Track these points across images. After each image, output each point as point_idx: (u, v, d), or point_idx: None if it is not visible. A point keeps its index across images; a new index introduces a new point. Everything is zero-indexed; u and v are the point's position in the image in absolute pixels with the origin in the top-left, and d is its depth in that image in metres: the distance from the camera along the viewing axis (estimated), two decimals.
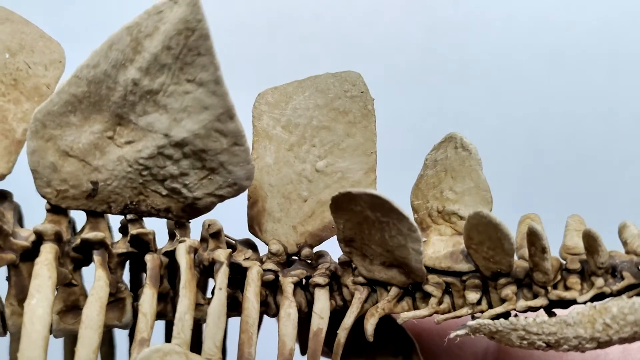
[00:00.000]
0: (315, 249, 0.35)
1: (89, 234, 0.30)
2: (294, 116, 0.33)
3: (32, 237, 0.30)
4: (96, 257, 0.30)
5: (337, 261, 0.34)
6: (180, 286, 0.30)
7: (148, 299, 0.30)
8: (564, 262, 0.31)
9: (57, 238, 0.30)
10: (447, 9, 0.62)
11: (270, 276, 0.33)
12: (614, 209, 0.60)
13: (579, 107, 0.62)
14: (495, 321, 0.30)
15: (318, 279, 0.33)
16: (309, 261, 0.34)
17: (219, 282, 0.31)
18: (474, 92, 0.59)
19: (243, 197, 0.35)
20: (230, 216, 0.35)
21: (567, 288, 0.30)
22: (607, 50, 0.63)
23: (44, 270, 0.29)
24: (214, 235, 0.33)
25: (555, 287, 0.30)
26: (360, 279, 0.33)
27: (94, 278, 0.30)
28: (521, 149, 0.60)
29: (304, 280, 0.34)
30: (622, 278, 0.29)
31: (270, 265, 0.33)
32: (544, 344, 0.30)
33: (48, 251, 0.29)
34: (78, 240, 0.30)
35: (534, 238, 0.29)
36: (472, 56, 0.61)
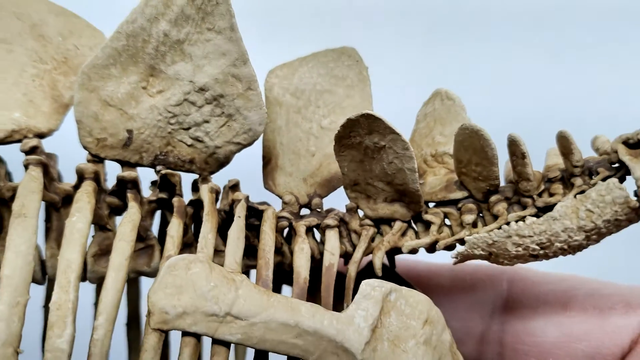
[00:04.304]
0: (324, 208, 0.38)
1: (124, 173, 0.34)
2: (300, 84, 0.39)
3: (74, 183, 0.34)
4: (129, 193, 0.34)
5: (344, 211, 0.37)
6: (203, 214, 0.33)
7: (175, 226, 0.33)
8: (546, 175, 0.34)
9: (96, 178, 0.34)
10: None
11: (285, 222, 0.36)
12: None
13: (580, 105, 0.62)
14: (490, 232, 0.33)
15: (328, 220, 0.36)
16: (319, 210, 0.38)
17: (238, 212, 0.34)
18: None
19: (258, 170, 0.39)
20: (247, 189, 0.39)
21: (551, 195, 0.33)
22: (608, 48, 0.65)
23: (84, 196, 0.33)
24: (232, 187, 0.37)
25: (540, 196, 0.33)
26: (367, 221, 0.36)
27: (127, 209, 0.33)
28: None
29: (316, 232, 0.37)
30: (598, 174, 0.32)
31: (284, 213, 0.37)
32: (537, 247, 0.32)
33: (88, 185, 0.33)
34: (114, 183, 0.35)
35: (514, 147, 0.33)
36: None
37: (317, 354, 0.31)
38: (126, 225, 0.32)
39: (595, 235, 0.32)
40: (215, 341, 0.31)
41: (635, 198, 0.31)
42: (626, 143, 0.31)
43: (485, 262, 0.40)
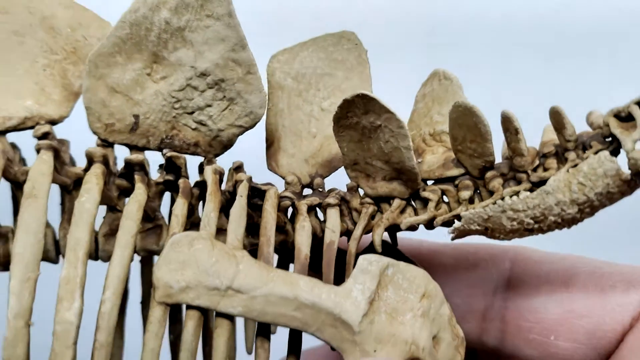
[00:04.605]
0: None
1: (131, 156, 0.36)
2: (301, 68, 0.40)
3: (84, 166, 0.36)
4: (137, 175, 0.36)
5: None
6: (207, 194, 0.35)
7: (180, 205, 0.35)
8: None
9: (105, 161, 0.35)
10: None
11: (287, 202, 0.37)
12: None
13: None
14: (485, 207, 0.34)
15: (330, 199, 0.37)
16: (321, 190, 0.39)
17: (240, 191, 0.35)
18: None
19: (262, 153, 0.40)
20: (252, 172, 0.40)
21: (545, 170, 0.34)
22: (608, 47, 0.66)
23: (93, 178, 0.34)
24: (236, 169, 0.38)
25: (535, 171, 0.34)
26: (367, 199, 0.37)
27: (134, 190, 0.35)
28: None
29: (318, 211, 0.38)
30: (591, 148, 0.32)
31: (287, 193, 0.38)
32: (532, 221, 0.33)
33: (97, 167, 0.35)
34: (122, 165, 0.36)
35: (507, 123, 0.33)
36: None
37: (316, 326, 0.32)
38: (132, 204, 0.34)
39: (588, 208, 0.32)
40: (218, 314, 0.32)
41: (628, 171, 0.31)
42: (617, 116, 0.32)
43: (488, 241, 0.40)
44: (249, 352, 0.41)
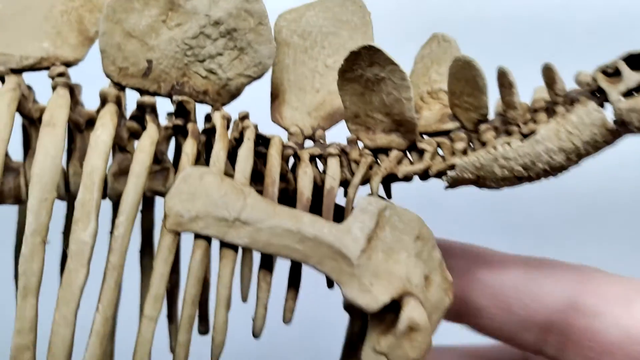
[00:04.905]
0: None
1: (144, 98, 0.37)
2: (307, 26, 0.42)
3: (97, 108, 0.37)
4: (148, 116, 0.37)
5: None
6: (215, 136, 0.36)
7: (189, 144, 0.36)
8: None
9: (118, 102, 0.37)
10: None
11: (290, 151, 0.39)
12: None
13: None
14: (478, 156, 0.36)
15: (330, 149, 0.39)
16: (322, 142, 0.41)
17: (247, 135, 0.37)
18: None
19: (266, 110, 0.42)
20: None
21: (536, 123, 0.36)
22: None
23: (107, 114, 0.36)
24: (242, 119, 0.40)
25: (526, 124, 0.36)
26: (366, 151, 0.39)
27: (146, 129, 0.36)
28: None
29: (318, 163, 0.40)
30: (579, 102, 0.35)
31: (290, 143, 0.40)
32: (521, 169, 0.35)
33: (111, 106, 0.36)
34: (134, 108, 0.38)
35: (502, 77, 0.35)
36: None
37: (317, 259, 0.34)
38: (146, 139, 0.35)
39: (575, 156, 0.34)
40: (224, 244, 0.34)
41: (612, 121, 0.34)
42: (605, 72, 0.34)
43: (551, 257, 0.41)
44: (244, 300, 0.42)
